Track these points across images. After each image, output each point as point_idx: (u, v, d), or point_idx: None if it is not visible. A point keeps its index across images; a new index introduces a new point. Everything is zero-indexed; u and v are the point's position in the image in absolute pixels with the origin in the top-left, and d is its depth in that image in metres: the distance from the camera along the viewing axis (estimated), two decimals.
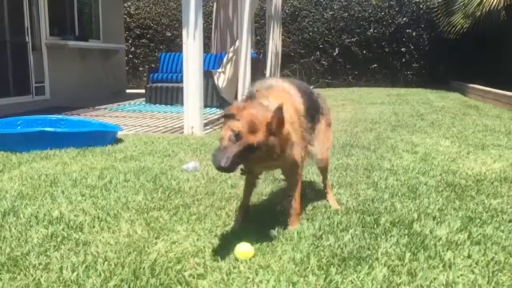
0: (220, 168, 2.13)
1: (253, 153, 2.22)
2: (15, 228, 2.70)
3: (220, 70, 9.54)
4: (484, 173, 3.95)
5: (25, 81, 8.76)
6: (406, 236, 2.54)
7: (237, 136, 2.19)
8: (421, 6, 14.45)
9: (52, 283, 2.07)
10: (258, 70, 10.35)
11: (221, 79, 9.36)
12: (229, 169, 2.14)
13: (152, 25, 15.71)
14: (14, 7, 8.35)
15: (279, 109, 2.23)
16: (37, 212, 2.98)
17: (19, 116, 6.18)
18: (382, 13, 14.70)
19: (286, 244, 2.45)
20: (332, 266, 2.19)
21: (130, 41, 15.42)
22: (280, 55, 12.55)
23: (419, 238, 2.51)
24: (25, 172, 4.02)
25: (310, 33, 15.10)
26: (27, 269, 2.19)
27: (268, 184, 3.61)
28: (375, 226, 2.70)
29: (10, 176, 3.92)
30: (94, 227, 2.73)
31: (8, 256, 2.33)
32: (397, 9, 14.62)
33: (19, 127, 5.63)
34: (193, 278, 2.11)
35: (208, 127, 6.70)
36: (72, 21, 10.37)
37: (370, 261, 2.24)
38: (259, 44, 14.54)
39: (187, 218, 2.86)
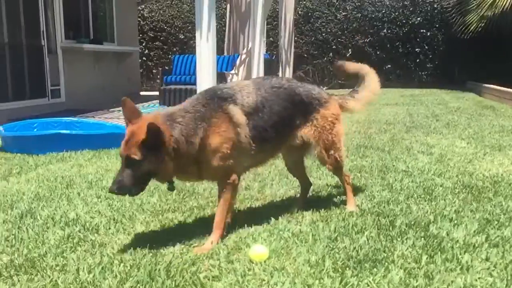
0: (113, 192, 2.31)
1: (140, 168, 2.26)
2: (32, 230, 2.73)
3: (233, 72, 9.56)
4: (501, 175, 3.88)
5: (41, 84, 8.86)
6: (423, 239, 2.51)
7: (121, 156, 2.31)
8: (435, 6, 14.33)
9: (69, 284, 2.08)
10: (271, 71, 10.35)
11: (234, 81, 9.38)
12: (120, 189, 2.28)
13: (165, 27, 15.81)
14: (30, 10, 8.46)
15: (150, 128, 2.19)
16: (54, 213, 3.01)
17: (35, 119, 6.26)
18: (396, 13, 14.60)
19: (301, 246, 2.44)
20: (347, 268, 2.18)
21: (144, 44, 15.53)
22: (292, 57, 12.54)
23: (435, 241, 2.48)
24: (42, 174, 4.07)
25: (323, 34, 15.06)
26: (44, 270, 2.21)
27: (282, 185, 3.60)
28: (390, 228, 2.67)
29: (27, 178, 3.97)
30: (109, 228, 2.75)
31: (25, 257, 2.36)
32: (411, 9, 14.52)
33: (35, 130, 5.70)
34: (208, 280, 2.11)
35: None
36: (87, 24, 10.47)
37: (386, 263, 2.22)
38: (272, 46, 14.53)
39: (202, 220, 2.86)
